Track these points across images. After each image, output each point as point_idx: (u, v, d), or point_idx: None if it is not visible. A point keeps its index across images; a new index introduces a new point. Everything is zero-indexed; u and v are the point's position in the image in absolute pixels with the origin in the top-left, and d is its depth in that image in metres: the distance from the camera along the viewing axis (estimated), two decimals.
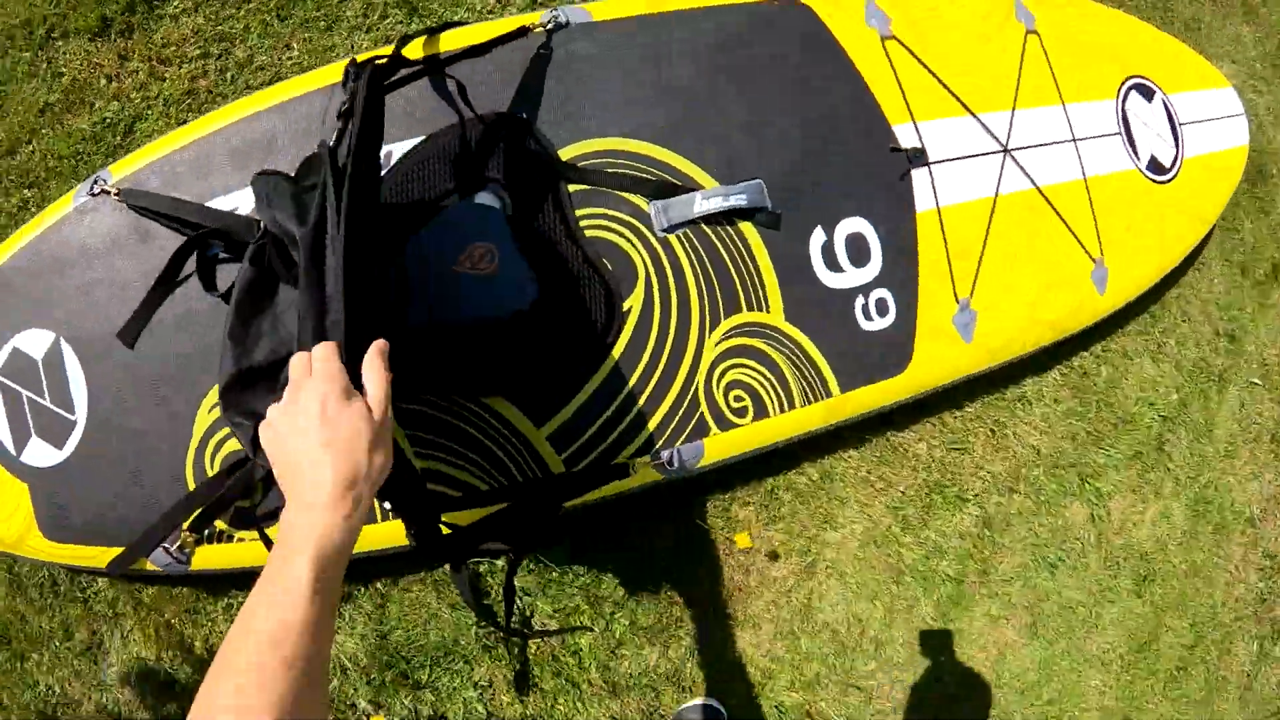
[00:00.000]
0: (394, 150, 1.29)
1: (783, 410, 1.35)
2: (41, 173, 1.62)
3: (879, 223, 1.45)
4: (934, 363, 1.46)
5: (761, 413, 1.34)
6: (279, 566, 0.63)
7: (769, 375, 1.35)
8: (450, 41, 1.32)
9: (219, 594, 1.55)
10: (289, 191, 0.93)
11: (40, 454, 1.29)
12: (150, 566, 1.27)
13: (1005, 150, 1.59)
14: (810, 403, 1.36)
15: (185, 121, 1.54)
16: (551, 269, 1.27)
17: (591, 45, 1.38)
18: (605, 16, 1.40)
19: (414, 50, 1.26)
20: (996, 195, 1.56)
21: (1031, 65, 1.67)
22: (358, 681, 1.55)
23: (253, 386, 0.92)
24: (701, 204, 1.34)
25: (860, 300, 1.41)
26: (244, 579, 1.47)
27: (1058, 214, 1.63)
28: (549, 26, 1.35)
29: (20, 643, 1.60)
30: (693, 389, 1.31)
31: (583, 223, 1.31)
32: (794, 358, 1.36)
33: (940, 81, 1.55)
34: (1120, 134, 1.78)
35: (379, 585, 1.56)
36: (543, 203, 1.28)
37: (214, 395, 1.26)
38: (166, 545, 1.24)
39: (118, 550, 1.27)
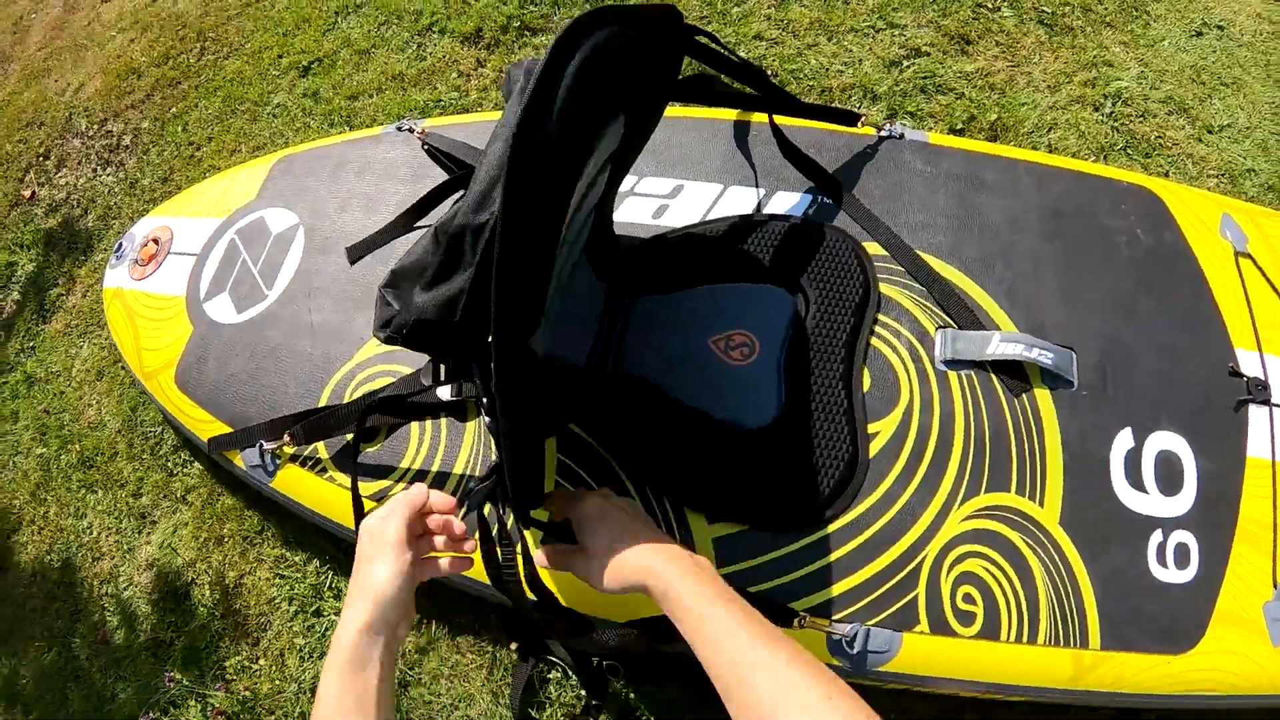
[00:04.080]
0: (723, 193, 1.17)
1: (1020, 639, 0.93)
2: (369, 120, 1.67)
3: (1200, 450, 1.04)
4: (1224, 656, 0.98)
5: (992, 630, 0.93)
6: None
7: (1017, 585, 0.94)
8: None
9: (279, 543, 1.39)
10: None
11: (220, 310, 1.27)
12: (239, 463, 1.14)
13: None
14: (1057, 645, 0.93)
15: None
16: (805, 390, 1.01)
17: (921, 162, 1.18)
18: (941, 143, 1.20)
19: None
20: None
21: None
22: None
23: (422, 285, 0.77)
24: (999, 346, 1.01)
25: (1158, 536, 0.99)
26: (310, 535, 1.36)
27: None
28: (882, 133, 1.17)
29: (97, 473, 1.56)
30: (914, 562, 0.94)
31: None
32: (1057, 576, 0.96)
33: None
34: None
35: (433, 628, 1.26)
36: (843, 313, 1.04)
37: None
38: (264, 444, 1.10)
39: (224, 428, 1.17)
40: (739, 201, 1.16)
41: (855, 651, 0.91)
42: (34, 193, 2.00)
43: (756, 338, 1.03)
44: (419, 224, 1.17)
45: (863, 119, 1.20)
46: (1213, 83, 1.53)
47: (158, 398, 1.27)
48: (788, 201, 1.15)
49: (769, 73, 1.41)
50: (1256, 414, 1.07)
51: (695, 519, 0.97)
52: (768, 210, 1.15)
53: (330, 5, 1.87)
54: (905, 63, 1.54)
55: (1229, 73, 1.55)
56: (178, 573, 1.43)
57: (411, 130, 1.31)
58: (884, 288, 1.08)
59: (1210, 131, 1.46)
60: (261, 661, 1.32)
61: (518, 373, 0.64)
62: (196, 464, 1.49)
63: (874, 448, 0.98)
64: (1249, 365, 1.09)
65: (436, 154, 1.26)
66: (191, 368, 1.23)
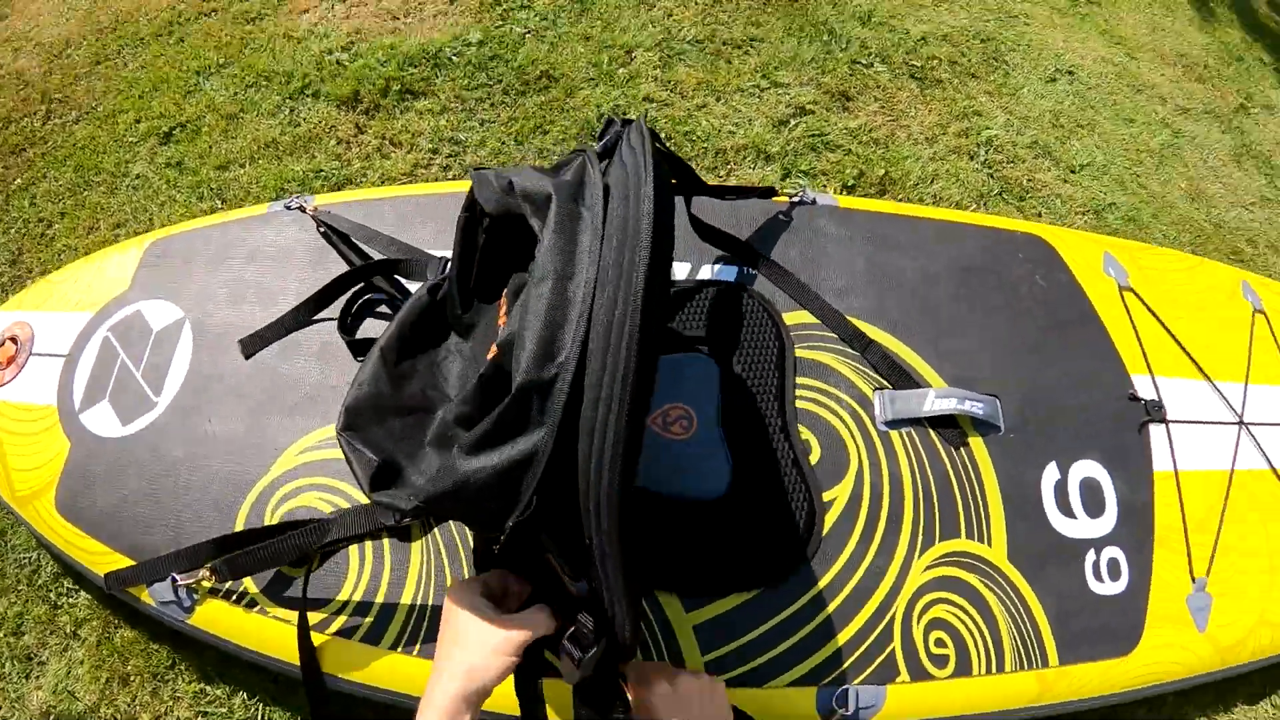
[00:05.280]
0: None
1: (989, 670, 0.99)
2: (242, 194, 1.53)
3: (1115, 473, 1.17)
4: (1163, 649, 1.09)
5: (964, 668, 0.99)
6: None
7: (980, 622, 1.01)
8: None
9: (197, 676, 1.24)
10: None
11: (101, 420, 1.12)
12: (146, 598, 1.01)
13: (1242, 423, 1.32)
14: (1022, 669, 1.01)
15: None
16: (751, 451, 1.03)
17: (836, 226, 1.24)
18: (850, 206, 1.28)
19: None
20: (1233, 470, 1.27)
21: (1261, 344, 1.44)
22: None
23: (384, 421, 0.72)
24: (934, 402, 1.07)
25: (1091, 556, 1.10)
26: (232, 667, 1.23)
27: None
28: (795, 199, 1.24)
29: None
30: (887, 617, 0.98)
31: (799, 393, 1.09)
32: (1012, 607, 1.03)
33: (1176, 340, 1.34)
34: None
35: None
36: (766, 373, 1.08)
37: (308, 439, 1.06)
38: (177, 578, 0.98)
39: (121, 560, 1.03)
40: None
41: (850, 711, 0.94)
42: None
43: (692, 409, 1.06)
44: (319, 317, 1.12)
45: (776, 193, 1.25)
46: (1070, 125, 1.72)
47: (38, 528, 1.10)
48: (713, 274, 1.17)
49: (662, 134, 1.46)
50: (1156, 431, 1.22)
51: (669, 603, 0.96)
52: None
53: (190, 64, 1.72)
54: (793, 120, 1.61)
55: (1083, 115, 1.75)
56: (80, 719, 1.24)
57: (302, 209, 1.24)
58: (819, 355, 1.11)
59: (1073, 171, 1.65)
60: None
61: (632, 537, 0.58)
62: (83, 592, 1.30)
63: (833, 513, 1.01)
64: (1144, 389, 1.24)
65: (333, 237, 1.19)
66: (76, 491, 1.07)
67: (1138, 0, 2.17)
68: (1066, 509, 1.12)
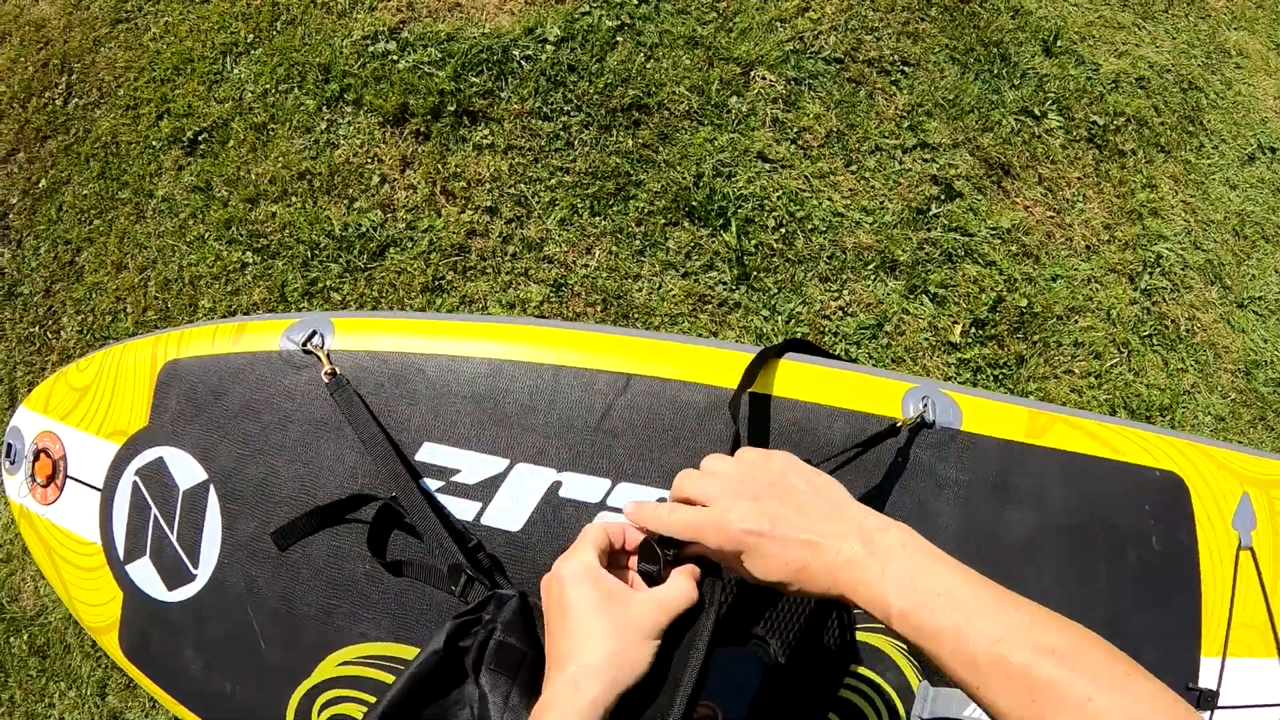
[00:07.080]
0: None
1: None
2: (274, 243, 1.35)
3: None
4: None
5: None
6: None
7: None
8: (797, 383, 1.01)
9: None
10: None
11: (147, 579, 1.11)
12: None
13: None
14: None
15: (442, 280, 1.26)
16: None
17: (949, 465, 1.07)
18: (973, 427, 1.08)
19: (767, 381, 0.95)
20: None
21: None
22: None
23: None
24: (976, 709, 1.07)
25: None
26: None
27: None
28: (915, 421, 1.05)
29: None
30: None
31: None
32: None
33: (1270, 614, 1.25)
34: None
35: None
36: (814, 670, 1.03)
37: (349, 653, 1.04)
38: None
39: (187, 716, 1.10)
40: None
41: None
42: None
43: (719, 708, 1.03)
44: (352, 516, 1.04)
45: (898, 430, 1.08)
46: (1254, 236, 1.43)
47: (114, 657, 1.14)
48: None
49: (772, 217, 1.24)
50: None
51: None
52: None
53: (215, 39, 1.45)
54: (934, 208, 1.35)
55: (1271, 221, 1.46)
56: None
57: (316, 356, 1.07)
58: (875, 639, 1.06)
59: (1240, 306, 1.41)
60: None
61: None
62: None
63: None
64: (1208, 676, 1.18)
65: (349, 413, 1.05)
66: (136, 641, 1.09)
67: None
68: None
